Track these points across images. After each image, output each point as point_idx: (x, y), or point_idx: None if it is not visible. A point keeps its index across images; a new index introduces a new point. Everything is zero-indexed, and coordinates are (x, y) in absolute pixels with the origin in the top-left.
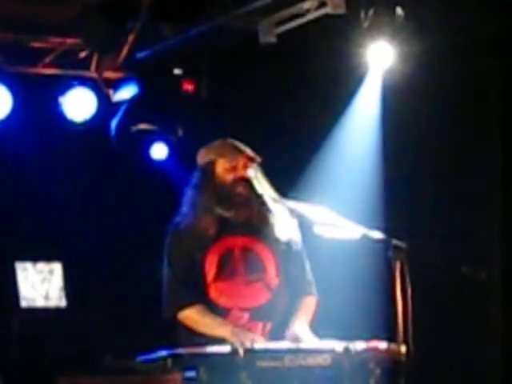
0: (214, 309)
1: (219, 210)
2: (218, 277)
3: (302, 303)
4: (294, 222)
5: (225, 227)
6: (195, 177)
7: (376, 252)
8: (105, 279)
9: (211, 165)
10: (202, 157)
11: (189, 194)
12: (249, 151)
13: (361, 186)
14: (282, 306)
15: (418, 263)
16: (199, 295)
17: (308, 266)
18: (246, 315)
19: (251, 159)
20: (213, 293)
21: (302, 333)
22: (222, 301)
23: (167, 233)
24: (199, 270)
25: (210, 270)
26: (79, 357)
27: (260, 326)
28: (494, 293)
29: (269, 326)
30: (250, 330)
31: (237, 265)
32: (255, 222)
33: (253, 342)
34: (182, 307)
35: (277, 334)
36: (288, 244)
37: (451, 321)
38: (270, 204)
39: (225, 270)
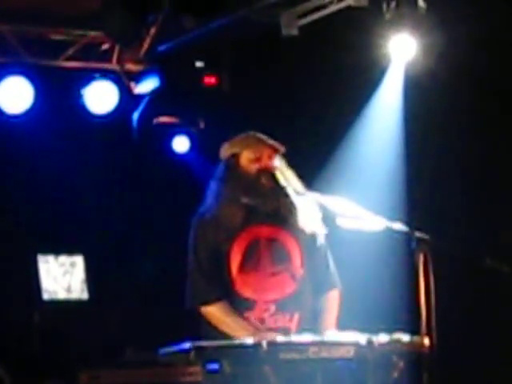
0: (239, 301)
1: (245, 200)
2: (244, 268)
3: (327, 300)
4: (319, 216)
5: (251, 216)
6: (219, 170)
7: (399, 244)
8: (126, 272)
9: (235, 157)
10: (226, 150)
11: (213, 186)
12: (272, 142)
13: (383, 178)
14: (308, 296)
15: (441, 255)
16: (224, 288)
17: (331, 260)
18: (273, 307)
19: (275, 150)
20: (238, 285)
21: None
22: (248, 293)
23: (191, 225)
24: (224, 261)
25: (235, 260)
26: (101, 349)
27: (287, 316)
28: None
29: (296, 316)
30: (276, 321)
31: (262, 256)
32: (282, 211)
33: (275, 337)
34: (204, 303)
35: (306, 324)
36: (312, 237)
37: (474, 313)
38: (293, 196)
39: (250, 260)
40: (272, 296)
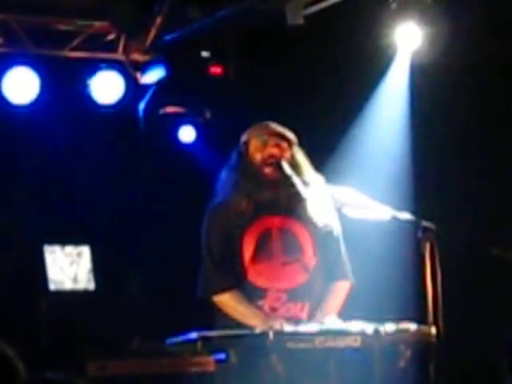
0: (252, 289)
1: (249, 190)
2: (256, 257)
3: (334, 288)
4: (331, 207)
5: (260, 207)
6: (232, 157)
7: (405, 233)
8: (133, 262)
9: (245, 145)
10: (242, 137)
11: (224, 173)
12: (282, 130)
13: (390, 168)
14: (319, 286)
15: (448, 244)
16: (236, 276)
17: (344, 251)
18: (284, 296)
19: (283, 138)
20: (250, 273)
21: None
22: (260, 282)
23: (205, 213)
24: (236, 249)
25: (248, 249)
26: (108, 340)
27: (298, 306)
28: None
29: (307, 306)
30: (288, 310)
31: (274, 245)
32: (286, 202)
33: (282, 325)
34: (217, 292)
35: (315, 314)
36: (325, 228)
37: (481, 302)
38: (300, 187)
39: (262, 250)
40: (284, 285)
